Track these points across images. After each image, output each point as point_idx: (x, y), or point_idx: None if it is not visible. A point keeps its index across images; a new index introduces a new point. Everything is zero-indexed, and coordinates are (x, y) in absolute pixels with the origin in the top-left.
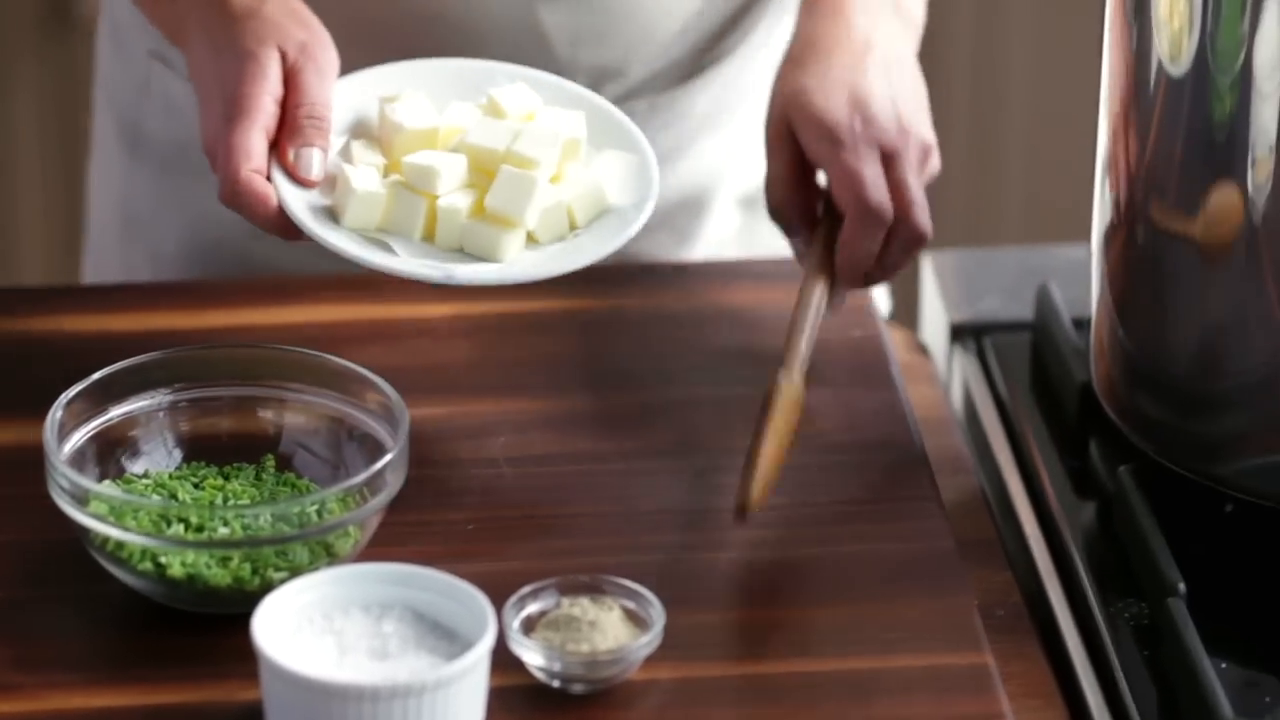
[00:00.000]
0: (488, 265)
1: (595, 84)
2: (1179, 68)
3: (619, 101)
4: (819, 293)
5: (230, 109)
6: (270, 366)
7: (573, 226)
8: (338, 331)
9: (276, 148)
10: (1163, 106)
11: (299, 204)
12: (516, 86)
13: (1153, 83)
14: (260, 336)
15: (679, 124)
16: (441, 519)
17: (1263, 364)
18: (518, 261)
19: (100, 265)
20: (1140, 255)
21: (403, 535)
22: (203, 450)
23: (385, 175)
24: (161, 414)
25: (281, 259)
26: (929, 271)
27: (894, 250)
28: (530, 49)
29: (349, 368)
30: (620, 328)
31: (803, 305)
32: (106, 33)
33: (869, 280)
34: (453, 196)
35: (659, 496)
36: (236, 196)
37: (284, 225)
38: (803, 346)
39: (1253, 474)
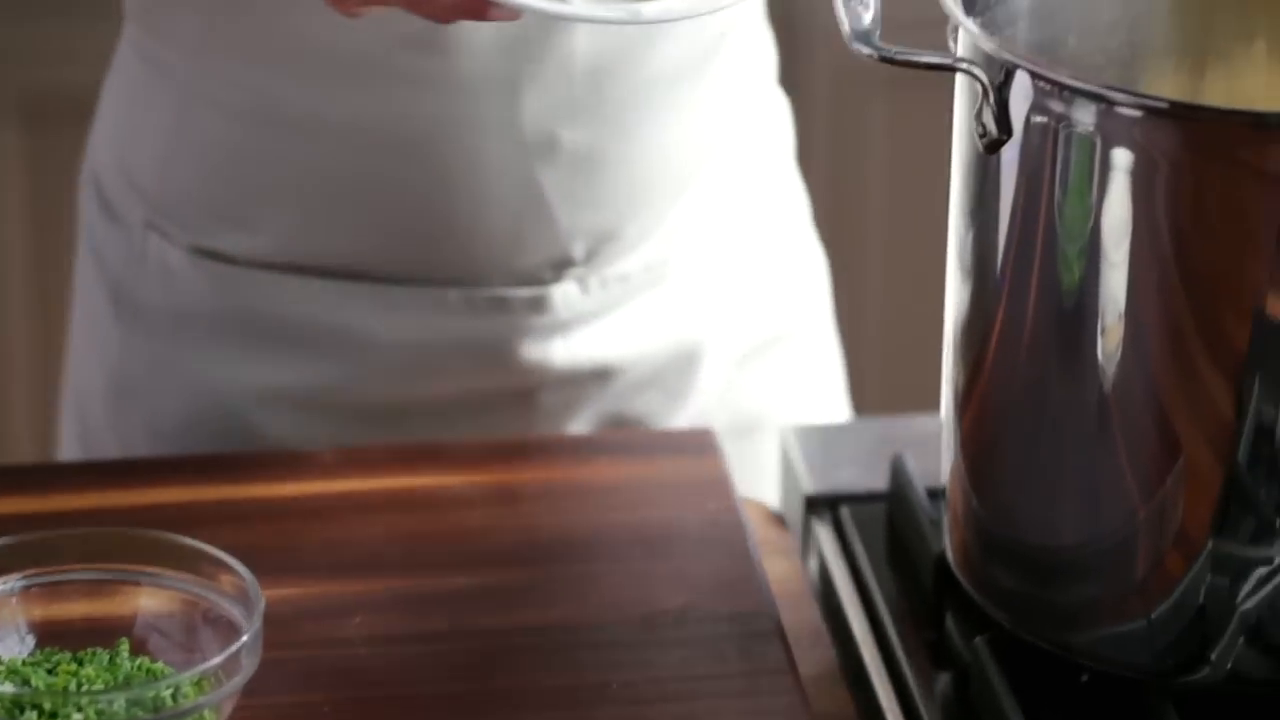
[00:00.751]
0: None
1: (594, 247)
2: (1026, 237)
3: (615, 260)
4: None
5: None
6: (122, 549)
7: None
8: (190, 512)
9: None
10: (1011, 275)
11: None
12: None
13: (1000, 252)
14: (111, 519)
15: (671, 283)
16: (299, 701)
17: (1113, 532)
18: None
19: (89, 437)
20: (991, 424)
21: (260, 718)
22: (56, 635)
23: None
24: (13, 599)
25: (284, 429)
26: (785, 443)
27: None
28: (529, 211)
29: (202, 549)
30: (482, 504)
31: None
32: (92, 196)
33: None
34: None
35: (518, 675)
36: None
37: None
38: None
39: (1106, 643)
